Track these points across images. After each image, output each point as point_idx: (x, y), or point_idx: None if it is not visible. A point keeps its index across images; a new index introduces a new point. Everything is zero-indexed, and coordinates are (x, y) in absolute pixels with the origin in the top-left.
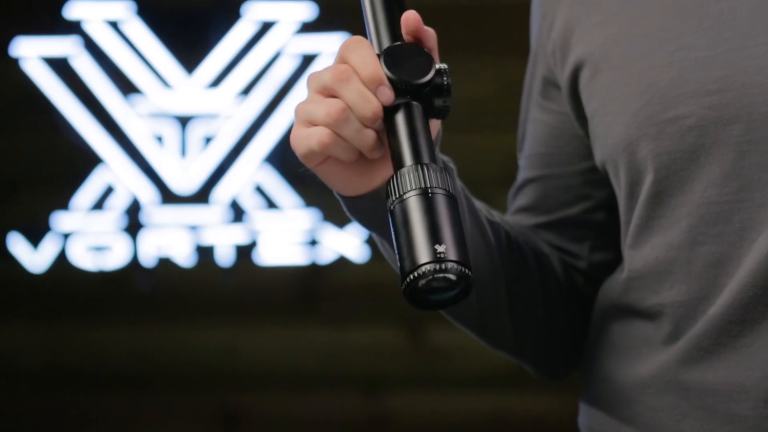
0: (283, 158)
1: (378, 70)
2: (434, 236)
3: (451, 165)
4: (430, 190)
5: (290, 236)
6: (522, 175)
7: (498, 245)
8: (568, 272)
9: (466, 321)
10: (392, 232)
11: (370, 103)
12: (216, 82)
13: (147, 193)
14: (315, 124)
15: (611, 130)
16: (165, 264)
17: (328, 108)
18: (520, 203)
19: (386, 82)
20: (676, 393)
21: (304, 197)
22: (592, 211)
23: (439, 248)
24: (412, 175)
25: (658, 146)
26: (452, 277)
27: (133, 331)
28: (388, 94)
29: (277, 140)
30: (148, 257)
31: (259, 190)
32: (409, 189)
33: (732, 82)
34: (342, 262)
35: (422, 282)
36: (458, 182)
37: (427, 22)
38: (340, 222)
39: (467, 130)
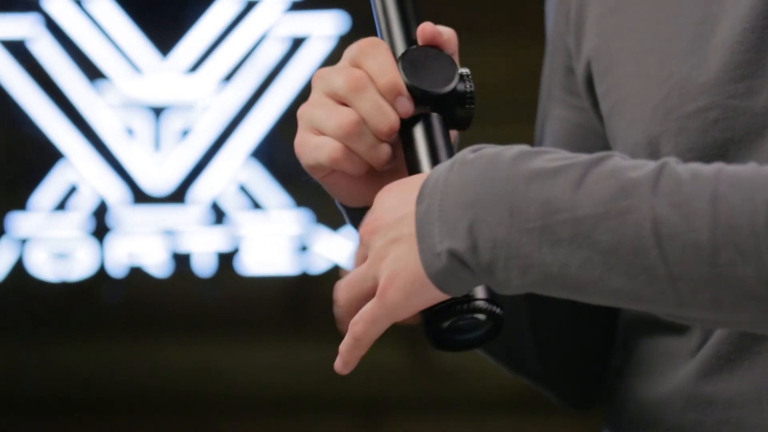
0: (270, 153)
1: (397, 78)
2: None
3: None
4: None
5: (278, 242)
6: None
7: None
8: None
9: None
10: None
11: (387, 116)
12: (194, 68)
13: (116, 193)
14: (323, 133)
15: (631, 129)
16: (136, 273)
17: (340, 119)
18: None
19: (405, 92)
20: (698, 408)
21: (294, 196)
22: None
23: None
24: None
25: (680, 143)
26: (480, 317)
27: (99, 350)
28: (407, 106)
29: (263, 133)
30: (117, 266)
31: (243, 189)
32: None
33: (760, 66)
34: (337, 272)
35: (446, 323)
36: None
37: (430, 2)
38: (335, 224)
39: (476, 123)
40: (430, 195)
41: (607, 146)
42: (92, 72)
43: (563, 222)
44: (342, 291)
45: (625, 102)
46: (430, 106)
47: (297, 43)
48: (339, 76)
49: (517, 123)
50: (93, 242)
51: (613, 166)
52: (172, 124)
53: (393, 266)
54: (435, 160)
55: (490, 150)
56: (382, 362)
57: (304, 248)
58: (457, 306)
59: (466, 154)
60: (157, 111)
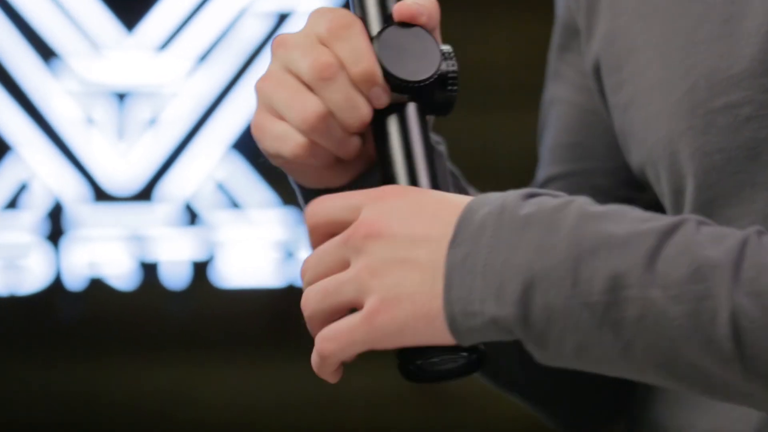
0: (252, 145)
1: (373, 67)
2: None
3: (441, 147)
4: None
5: (262, 247)
6: (543, 170)
7: None
8: None
9: None
10: None
11: (358, 110)
12: (164, 45)
13: (73, 191)
14: (285, 120)
15: (649, 125)
16: (97, 286)
17: (305, 112)
18: None
19: (381, 81)
20: None
21: (280, 194)
22: None
23: None
24: None
25: (707, 143)
26: (463, 354)
27: (55, 373)
28: (382, 98)
29: (244, 122)
30: (74, 276)
31: (222, 187)
32: None
33: None
34: None
35: (423, 360)
36: (449, 168)
37: None
38: None
39: (474, 109)
40: (472, 242)
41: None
42: (45, 51)
43: (631, 300)
44: (312, 299)
45: (643, 94)
46: (408, 94)
47: (281, 19)
48: (305, 58)
49: (518, 110)
50: (47, 248)
51: (689, 238)
52: (138, 111)
53: (395, 292)
54: (410, 162)
55: (547, 203)
56: (382, 387)
57: (291, 255)
58: (439, 346)
59: (517, 201)
60: (121, 96)
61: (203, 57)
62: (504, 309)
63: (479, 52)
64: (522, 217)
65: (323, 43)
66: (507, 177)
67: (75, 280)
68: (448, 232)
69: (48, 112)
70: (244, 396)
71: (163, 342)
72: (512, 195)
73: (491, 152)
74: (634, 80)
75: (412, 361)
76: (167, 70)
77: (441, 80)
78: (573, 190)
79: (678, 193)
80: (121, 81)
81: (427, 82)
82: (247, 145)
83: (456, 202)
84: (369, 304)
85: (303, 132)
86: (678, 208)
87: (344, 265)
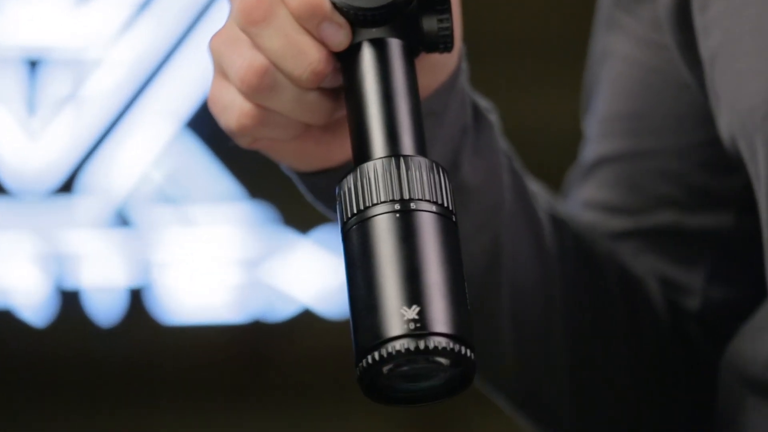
0: (207, 123)
1: None
2: (412, 290)
3: (491, 117)
4: (411, 204)
5: (219, 268)
6: (593, 148)
7: (562, 259)
8: (674, 313)
9: (495, 382)
10: (345, 276)
11: (306, 56)
12: None
13: None
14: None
15: (745, 85)
16: (1, 319)
17: (240, 68)
18: (589, 196)
19: (332, 14)
20: None
21: (246, 184)
22: (712, 214)
23: (416, 310)
24: (380, 175)
25: None
26: (443, 361)
27: None
28: (338, 36)
29: (194, 94)
30: None
31: (169, 183)
32: (375, 201)
33: None
34: (308, 317)
35: (387, 367)
36: (502, 147)
37: None
38: (306, 224)
39: (500, 74)
40: None
41: (694, 109)
42: None
43: None
44: None
45: (739, 45)
46: (377, 25)
47: None
48: (235, 1)
49: (558, 75)
50: None
51: None
52: (54, 82)
53: None
54: (388, 119)
55: None
56: None
57: (258, 274)
58: (405, 344)
59: None
60: (33, 63)
61: (138, 11)
62: None
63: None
64: None
65: None
66: (541, 154)
67: None
68: None
69: None
70: None
71: (85, 394)
72: None
73: (522, 126)
74: (722, 26)
75: (372, 372)
76: (90, 30)
77: (425, 2)
78: (634, 175)
79: None
80: (32, 43)
81: (397, 7)
82: (200, 124)
83: None
84: None
85: (245, 95)
86: None
87: None
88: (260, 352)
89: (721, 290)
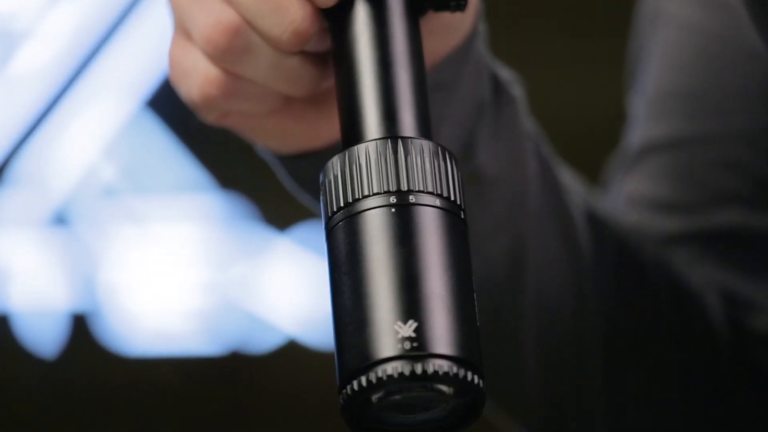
0: (169, 100)
1: None
2: (408, 301)
3: (514, 91)
4: (410, 197)
5: (185, 284)
6: (641, 133)
7: (599, 267)
8: (738, 335)
9: (516, 413)
10: (329, 283)
11: (286, 11)
12: None
13: None
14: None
15: None
16: None
17: (207, 25)
18: (635, 190)
19: None
20: None
21: (215, 173)
22: None
23: (412, 326)
24: (373, 161)
25: None
26: (444, 389)
27: None
28: None
29: (154, 68)
30: None
31: (123, 173)
32: (366, 192)
33: None
34: (292, 348)
35: (377, 395)
36: (526, 129)
37: None
38: (286, 222)
39: (526, 41)
40: None
41: (766, 86)
42: None
43: None
44: None
45: None
46: None
47: None
48: None
49: (606, 34)
50: None
51: None
52: None
53: None
54: (384, 91)
55: None
56: None
57: (230, 286)
58: (398, 368)
59: None
60: None
61: None
62: None
63: None
64: None
65: None
66: (577, 141)
67: None
68: None
69: None
70: None
71: None
72: None
73: (554, 109)
74: None
75: (361, 400)
76: None
77: None
78: (689, 166)
79: None
80: None
81: None
82: (163, 104)
83: None
84: None
85: (211, 58)
86: None
87: None
88: (240, 384)
89: None
